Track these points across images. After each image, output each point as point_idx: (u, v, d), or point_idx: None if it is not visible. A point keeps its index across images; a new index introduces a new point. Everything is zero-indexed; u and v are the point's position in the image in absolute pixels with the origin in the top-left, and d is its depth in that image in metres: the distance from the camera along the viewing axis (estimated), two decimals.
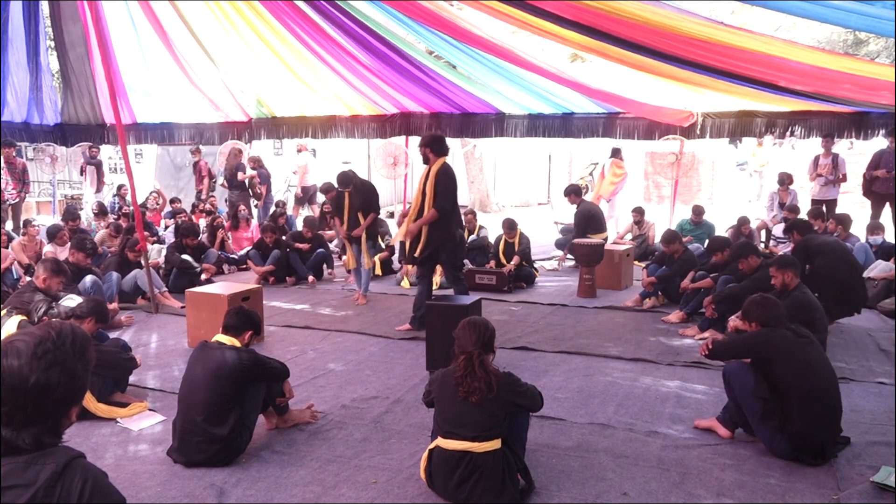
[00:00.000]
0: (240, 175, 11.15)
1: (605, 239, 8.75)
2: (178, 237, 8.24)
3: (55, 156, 11.67)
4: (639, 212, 9.76)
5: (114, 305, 6.29)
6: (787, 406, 3.35)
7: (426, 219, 5.67)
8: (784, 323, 3.51)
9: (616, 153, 11.36)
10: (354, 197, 6.98)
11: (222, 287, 6.01)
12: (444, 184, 5.63)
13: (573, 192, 9.44)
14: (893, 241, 7.71)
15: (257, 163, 11.77)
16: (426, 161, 5.80)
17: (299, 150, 13.10)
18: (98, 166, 12.29)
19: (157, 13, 8.35)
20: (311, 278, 8.29)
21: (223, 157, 11.72)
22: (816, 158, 9.54)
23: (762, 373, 3.46)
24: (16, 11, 8.16)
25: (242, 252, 9.12)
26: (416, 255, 5.76)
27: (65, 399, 1.48)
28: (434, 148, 5.72)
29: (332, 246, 9.40)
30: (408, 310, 6.76)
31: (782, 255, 4.83)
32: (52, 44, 9.30)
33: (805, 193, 10.88)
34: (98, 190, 12.28)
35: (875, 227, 7.67)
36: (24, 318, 4.39)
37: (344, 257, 7.94)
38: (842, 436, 3.50)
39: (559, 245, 9.69)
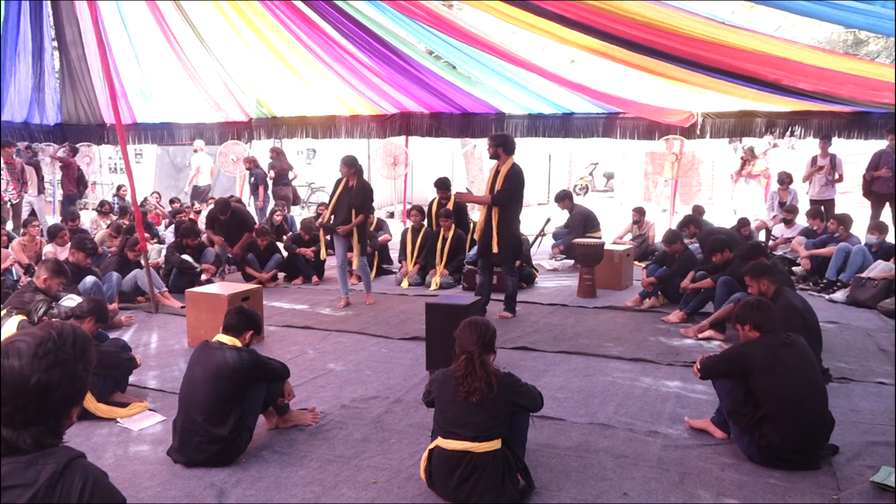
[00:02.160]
0: (292, 174, 11.22)
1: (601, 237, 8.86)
2: (178, 237, 8.23)
3: (55, 156, 11.64)
4: (639, 212, 9.75)
5: (114, 306, 6.29)
6: (760, 416, 3.31)
7: (479, 200, 6.41)
8: (777, 327, 3.45)
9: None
10: (355, 193, 6.86)
11: (222, 287, 6.01)
12: (515, 182, 6.03)
13: (566, 198, 9.46)
14: (894, 242, 7.70)
15: (253, 163, 11.74)
16: (495, 157, 6.15)
17: (196, 151, 13.09)
18: (37, 167, 11.00)
19: (161, 12, 8.35)
20: (314, 279, 8.31)
21: (223, 157, 11.72)
22: (814, 159, 9.54)
23: (742, 379, 3.43)
24: (19, 12, 8.16)
25: None
26: (494, 250, 6.08)
27: (65, 399, 1.48)
28: (506, 147, 6.11)
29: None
30: (408, 310, 6.78)
31: (757, 262, 4.78)
32: (55, 44, 9.29)
33: (804, 193, 10.87)
34: (40, 191, 10.97)
35: (875, 228, 7.64)
36: (24, 318, 4.39)
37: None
38: (830, 444, 3.42)
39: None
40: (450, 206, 8.52)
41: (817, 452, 3.33)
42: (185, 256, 7.82)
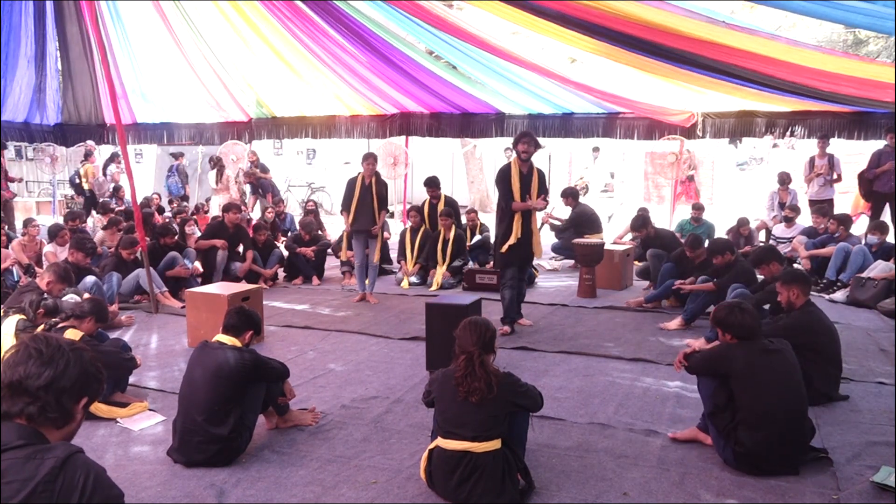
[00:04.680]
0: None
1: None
2: (153, 237, 8.04)
3: (55, 156, 11.63)
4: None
5: (114, 307, 6.27)
6: (737, 421, 3.28)
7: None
8: (757, 334, 3.40)
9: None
10: (379, 187, 6.78)
11: (222, 287, 6.01)
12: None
13: (570, 195, 9.45)
14: (894, 242, 7.69)
15: (253, 177, 11.63)
16: (527, 159, 5.69)
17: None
18: None
19: (162, 12, 8.35)
20: (314, 279, 8.31)
21: (223, 157, 11.72)
22: (812, 160, 9.54)
23: (725, 382, 3.39)
24: (21, 12, 8.16)
25: None
26: (537, 255, 6.05)
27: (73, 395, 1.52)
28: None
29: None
30: (408, 309, 6.78)
31: (791, 269, 4.73)
32: (57, 43, 9.29)
33: (803, 194, 10.85)
34: None
35: (876, 228, 7.63)
36: (24, 317, 4.39)
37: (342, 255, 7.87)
38: (816, 448, 3.39)
39: (555, 249, 9.66)
40: (440, 205, 8.52)
41: (796, 458, 3.29)
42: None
